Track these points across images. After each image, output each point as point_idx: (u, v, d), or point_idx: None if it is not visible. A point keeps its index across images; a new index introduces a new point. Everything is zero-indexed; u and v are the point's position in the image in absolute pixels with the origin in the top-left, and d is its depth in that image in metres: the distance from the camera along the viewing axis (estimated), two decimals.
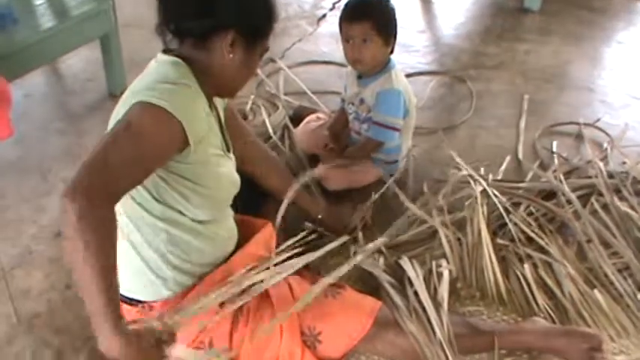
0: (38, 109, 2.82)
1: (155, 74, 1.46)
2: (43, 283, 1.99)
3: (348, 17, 2.21)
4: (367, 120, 2.32)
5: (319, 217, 2.09)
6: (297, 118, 2.69)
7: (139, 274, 1.55)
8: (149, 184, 1.46)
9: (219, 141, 1.58)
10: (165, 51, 1.52)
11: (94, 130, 2.66)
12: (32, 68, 2.55)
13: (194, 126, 1.40)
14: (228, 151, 1.65)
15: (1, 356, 1.77)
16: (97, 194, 1.22)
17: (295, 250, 1.64)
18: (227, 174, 1.61)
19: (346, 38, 2.22)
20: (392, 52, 2.29)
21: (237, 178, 1.66)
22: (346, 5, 2.26)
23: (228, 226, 1.68)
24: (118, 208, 1.33)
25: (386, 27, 2.20)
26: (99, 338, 1.23)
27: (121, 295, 1.54)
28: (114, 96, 2.88)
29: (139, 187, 1.44)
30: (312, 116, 2.62)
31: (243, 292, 1.51)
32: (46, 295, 1.95)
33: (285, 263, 1.60)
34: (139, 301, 1.57)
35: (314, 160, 2.44)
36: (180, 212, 1.51)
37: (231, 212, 1.71)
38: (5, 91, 1.95)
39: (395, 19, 2.23)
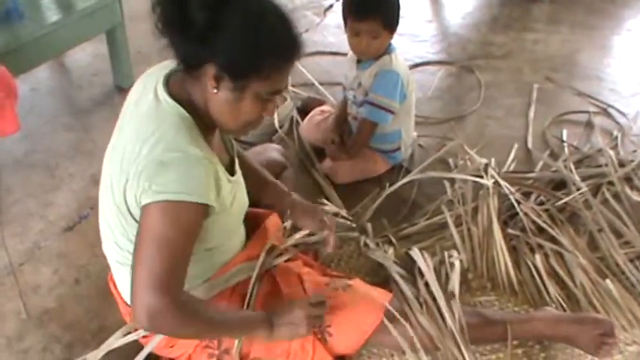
0: (45, 103, 2.81)
1: (162, 137, 1.30)
2: (52, 279, 1.99)
3: (357, 14, 2.14)
4: (363, 103, 2.27)
5: (288, 212, 1.78)
6: (305, 109, 2.68)
7: None
8: None
9: (224, 174, 1.43)
10: (168, 78, 1.40)
11: (101, 125, 2.65)
12: (38, 63, 2.54)
13: (212, 194, 1.34)
14: (233, 174, 1.50)
15: (11, 352, 1.77)
16: (174, 305, 1.30)
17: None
18: (236, 202, 1.51)
19: (353, 33, 2.17)
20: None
21: (245, 200, 1.59)
22: None
23: (238, 236, 1.64)
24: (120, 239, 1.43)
25: (394, 20, 2.16)
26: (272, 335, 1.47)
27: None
28: (121, 90, 2.87)
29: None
30: (316, 109, 2.60)
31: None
32: (56, 290, 1.95)
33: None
34: None
35: (321, 152, 2.43)
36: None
37: (241, 224, 1.65)
38: (11, 85, 1.95)
39: (399, 7, 2.17)
